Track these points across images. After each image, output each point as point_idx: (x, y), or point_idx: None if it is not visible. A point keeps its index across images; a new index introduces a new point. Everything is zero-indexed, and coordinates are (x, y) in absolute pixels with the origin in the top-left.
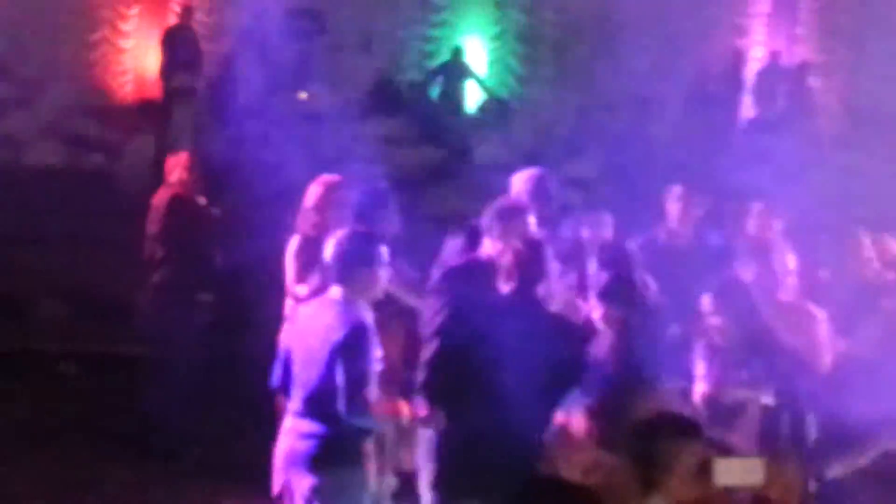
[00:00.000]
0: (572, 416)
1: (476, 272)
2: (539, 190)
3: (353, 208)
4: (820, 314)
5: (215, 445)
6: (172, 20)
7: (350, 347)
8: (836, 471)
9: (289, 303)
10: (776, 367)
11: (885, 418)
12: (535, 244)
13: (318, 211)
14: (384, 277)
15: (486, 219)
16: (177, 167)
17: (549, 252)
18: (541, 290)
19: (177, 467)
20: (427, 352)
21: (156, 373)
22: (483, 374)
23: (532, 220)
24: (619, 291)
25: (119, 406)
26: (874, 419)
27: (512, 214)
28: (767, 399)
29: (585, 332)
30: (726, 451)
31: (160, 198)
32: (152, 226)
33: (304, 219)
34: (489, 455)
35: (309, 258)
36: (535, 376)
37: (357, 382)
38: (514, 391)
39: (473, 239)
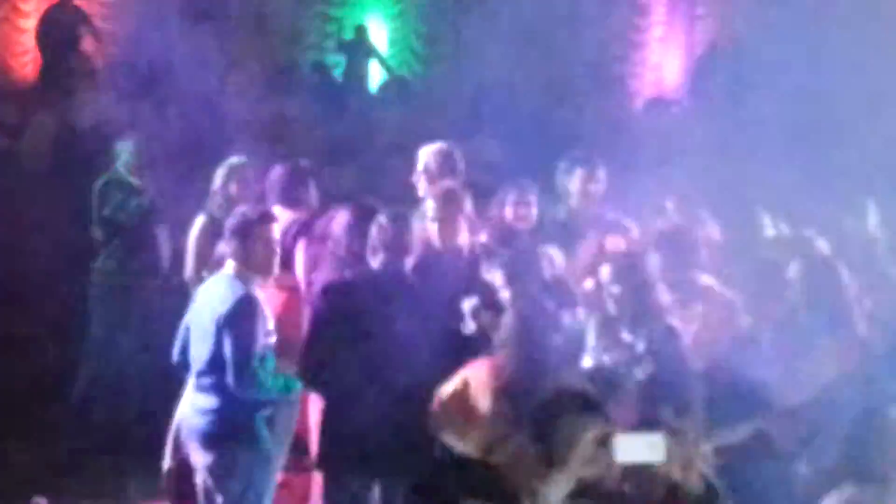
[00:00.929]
0: (470, 388)
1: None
2: (446, 163)
3: (275, 186)
4: (721, 293)
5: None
6: None
7: (235, 319)
8: (725, 440)
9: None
10: (659, 342)
11: (762, 399)
12: (399, 217)
13: (222, 192)
14: (277, 255)
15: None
16: None
17: (415, 226)
18: (408, 262)
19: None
20: (306, 332)
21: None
22: (357, 350)
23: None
24: (524, 268)
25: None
26: (752, 399)
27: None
28: (644, 373)
29: (456, 304)
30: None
31: None
32: None
33: (211, 200)
34: (374, 431)
35: (212, 241)
36: (409, 350)
37: (243, 355)
38: (390, 366)
39: (364, 218)
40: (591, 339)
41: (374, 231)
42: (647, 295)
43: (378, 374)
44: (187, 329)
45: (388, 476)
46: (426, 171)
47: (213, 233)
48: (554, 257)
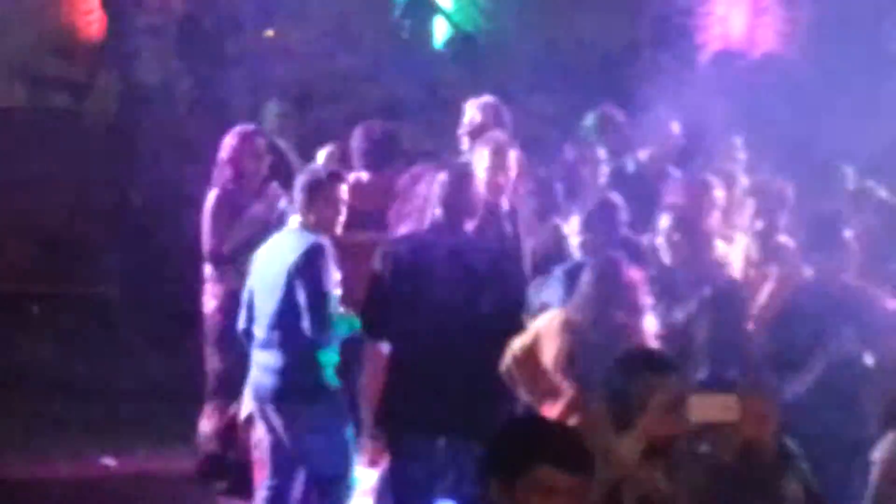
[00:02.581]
0: (541, 341)
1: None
2: (497, 117)
3: (360, 151)
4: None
5: None
6: None
7: (309, 265)
8: (792, 390)
9: (207, 267)
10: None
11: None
12: (462, 174)
13: (233, 163)
14: (341, 214)
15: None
16: None
17: (479, 184)
18: (469, 223)
19: (145, 407)
20: (366, 289)
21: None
22: (422, 303)
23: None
24: (603, 220)
25: (86, 348)
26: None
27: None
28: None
29: (518, 255)
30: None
31: None
32: None
33: (220, 173)
34: (440, 384)
35: (230, 214)
36: (474, 304)
37: (320, 301)
38: (455, 317)
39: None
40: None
41: (436, 188)
42: (704, 248)
43: (442, 332)
44: (251, 293)
45: (455, 435)
46: (471, 124)
47: (227, 207)
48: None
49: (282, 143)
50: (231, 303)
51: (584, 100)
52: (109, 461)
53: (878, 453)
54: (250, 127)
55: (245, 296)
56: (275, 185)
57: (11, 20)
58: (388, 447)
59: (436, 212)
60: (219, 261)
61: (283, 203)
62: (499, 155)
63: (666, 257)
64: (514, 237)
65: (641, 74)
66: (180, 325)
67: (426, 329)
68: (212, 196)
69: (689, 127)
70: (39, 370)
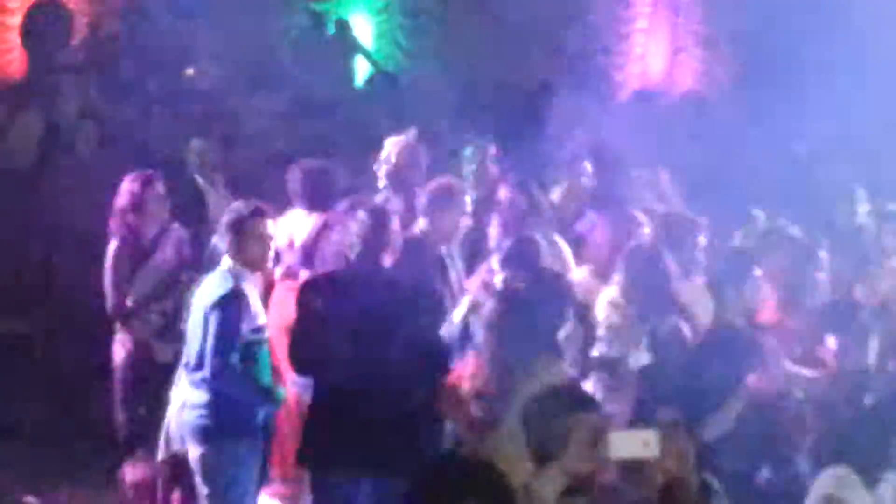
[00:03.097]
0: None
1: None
2: (413, 157)
3: (297, 189)
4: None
5: None
6: None
7: (217, 311)
8: (711, 432)
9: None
10: (666, 337)
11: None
12: (379, 212)
13: (134, 210)
14: (270, 249)
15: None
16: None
17: (394, 221)
18: (387, 259)
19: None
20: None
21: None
22: (340, 344)
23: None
24: (523, 257)
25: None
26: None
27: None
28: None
29: (437, 299)
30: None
31: None
32: None
33: (120, 221)
34: (362, 421)
35: (132, 265)
36: (390, 346)
37: (221, 347)
38: (372, 360)
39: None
40: (599, 330)
41: (353, 226)
42: (662, 290)
43: (361, 367)
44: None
45: (377, 472)
46: (387, 162)
47: (129, 257)
48: (561, 246)
49: (202, 182)
50: (139, 354)
51: (504, 139)
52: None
53: (819, 489)
54: (147, 171)
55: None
56: (176, 226)
57: None
58: (311, 486)
59: (354, 248)
60: (124, 315)
61: (214, 239)
62: (444, 198)
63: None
64: (438, 277)
65: (560, 113)
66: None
67: (346, 365)
68: (112, 247)
69: (605, 164)
70: None
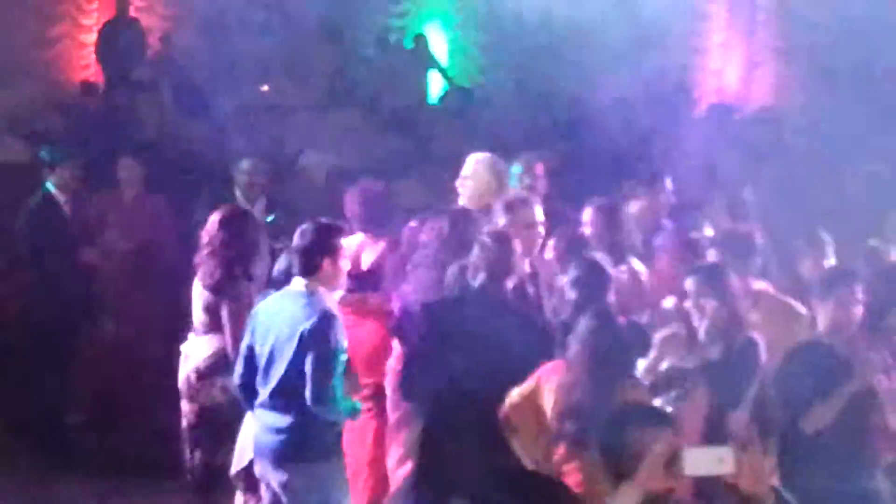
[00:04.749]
0: (541, 389)
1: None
2: (493, 174)
3: (355, 209)
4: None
5: None
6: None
7: (317, 335)
8: (814, 420)
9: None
10: (739, 353)
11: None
12: (503, 237)
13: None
14: (345, 268)
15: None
16: None
17: (516, 245)
18: (509, 283)
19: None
20: (399, 350)
21: None
22: (453, 369)
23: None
24: (593, 278)
25: None
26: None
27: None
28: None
29: (551, 326)
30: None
31: None
32: None
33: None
34: (467, 451)
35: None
36: (504, 370)
37: (324, 371)
38: (483, 385)
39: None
40: (664, 350)
41: (476, 250)
42: (731, 305)
43: (475, 394)
44: (251, 349)
45: (462, 491)
46: (469, 177)
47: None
48: (637, 268)
49: (244, 202)
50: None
51: (577, 153)
52: None
53: None
54: (240, 208)
55: (243, 351)
56: None
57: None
58: None
59: (478, 272)
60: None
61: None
62: (519, 211)
63: (694, 316)
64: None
65: (635, 129)
66: None
67: (460, 392)
68: (197, 287)
69: (685, 181)
70: None
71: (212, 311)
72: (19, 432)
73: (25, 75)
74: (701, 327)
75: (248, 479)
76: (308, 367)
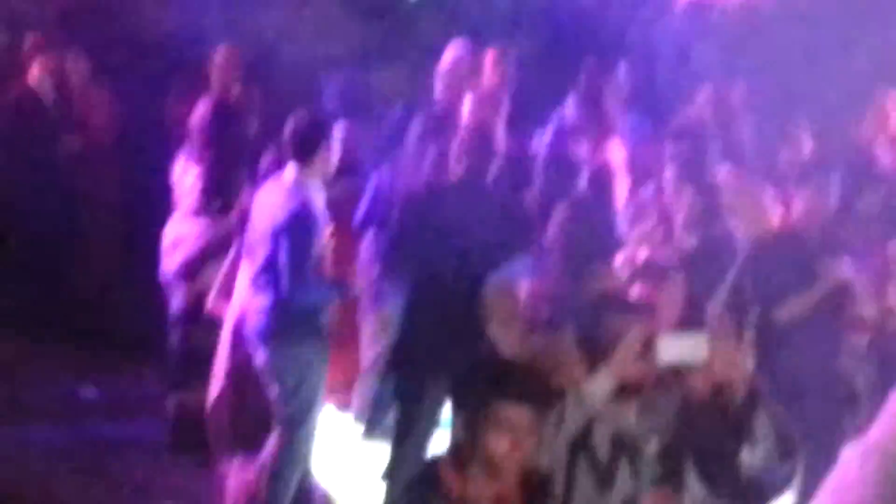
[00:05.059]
0: (514, 285)
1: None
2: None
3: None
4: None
5: None
6: None
7: (293, 226)
8: (789, 311)
9: None
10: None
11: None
12: (483, 127)
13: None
14: (335, 154)
15: None
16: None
17: (498, 133)
18: (491, 171)
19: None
20: (388, 232)
21: None
22: (435, 255)
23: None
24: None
25: None
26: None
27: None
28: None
29: (529, 214)
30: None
31: None
32: None
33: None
34: (447, 333)
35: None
36: (484, 258)
37: (298, 262)
38: (464, 271)
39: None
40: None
41: (457, 141)
42: (711, 196)
43: (456, 279)
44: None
45: (440, 373)
46: (444, 69)
47: None
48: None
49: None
50: None
51: (560, 45)
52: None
53: None
54: None
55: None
56: None
57: None
58: (401, 387)
59: (461, 160)
60: None
61: None
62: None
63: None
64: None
65: (615, 18)
66: None
67: (445, 274)
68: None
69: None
70: None
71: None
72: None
73: None
74: (679, 217)
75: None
76: (283, 253)
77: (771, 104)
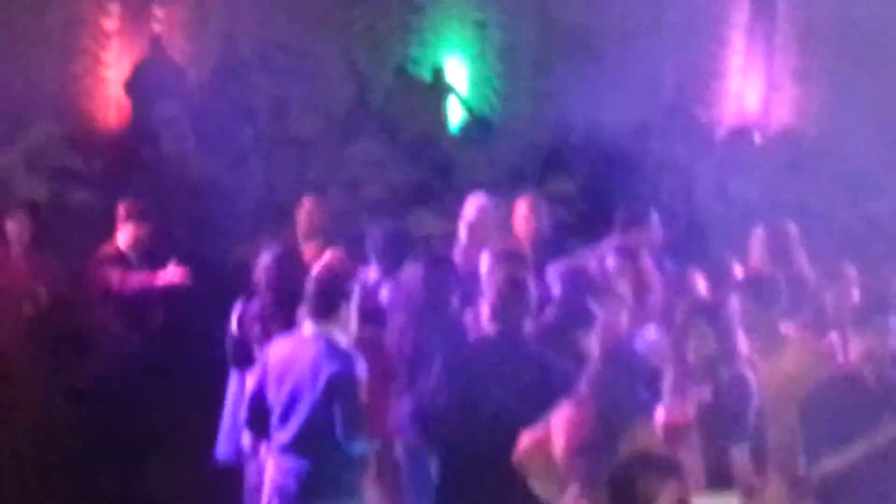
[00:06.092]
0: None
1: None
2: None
3: (377, 247)
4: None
5: None
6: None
7: (350, 377)
8: (830, 466)
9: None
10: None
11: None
12: (519, 282)
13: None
14: (356, 312)
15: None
16: None
17: (533, 289)
18: (527, 326)
19: None
20: (423, 390)
21: None
22: (469, 410)
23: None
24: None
25: None
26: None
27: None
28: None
29: (570, 367)
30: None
31: None
32: None
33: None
34: (488, 491)
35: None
36: (521, 411)
37: (355, 411)
38: (500, 426)
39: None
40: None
41: (491, 295)
42: (727, 342)
43: (493, 437)
44: (262, 395)
45: None
46: (466, 221)
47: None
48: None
49: None
50: None
51: (599, 181)
52: None
53: None
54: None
55: (253, 397)
56: None
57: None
58: None
59: (495, 312)
60: None
61: None
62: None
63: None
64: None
65: (655, 157)
66: None
67: (480, 434)
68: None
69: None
70: None
71: None
72: None
73: (46, 113)
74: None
75: None
76: (338, 410)
77: (817, 240)
